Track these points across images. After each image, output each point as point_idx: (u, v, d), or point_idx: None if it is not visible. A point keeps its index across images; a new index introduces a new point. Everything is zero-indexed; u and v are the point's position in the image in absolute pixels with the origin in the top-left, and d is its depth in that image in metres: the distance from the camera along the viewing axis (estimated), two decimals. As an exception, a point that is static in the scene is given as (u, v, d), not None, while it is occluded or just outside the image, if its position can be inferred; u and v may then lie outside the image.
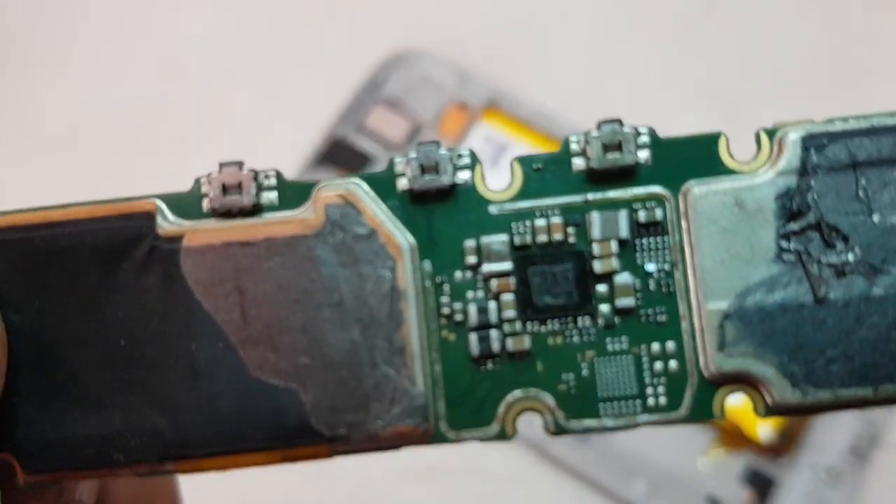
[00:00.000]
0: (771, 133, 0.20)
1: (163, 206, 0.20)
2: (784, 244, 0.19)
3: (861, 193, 0.19)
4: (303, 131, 0.63)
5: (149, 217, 0.20)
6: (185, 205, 0.20)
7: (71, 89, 0.67)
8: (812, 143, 0.19)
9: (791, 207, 0.19)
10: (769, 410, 0.19)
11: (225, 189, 0.20)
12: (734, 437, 0.53)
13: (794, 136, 0.19)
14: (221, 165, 0.20)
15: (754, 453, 0.53)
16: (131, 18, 0.69)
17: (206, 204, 0.20)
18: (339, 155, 0.63)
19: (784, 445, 0.53)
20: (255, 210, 0.20)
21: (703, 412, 0.19)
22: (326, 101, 0.64)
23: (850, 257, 0.19)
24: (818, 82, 0.62)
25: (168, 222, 0.20)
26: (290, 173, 0.61)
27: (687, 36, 0.65)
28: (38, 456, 0.20)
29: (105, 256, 0.20)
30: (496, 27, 0.67)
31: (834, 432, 0.53)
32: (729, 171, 0.20)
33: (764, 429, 0.53)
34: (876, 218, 0.19)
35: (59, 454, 0.20)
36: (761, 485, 0.53)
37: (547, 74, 0.65)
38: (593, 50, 0.66)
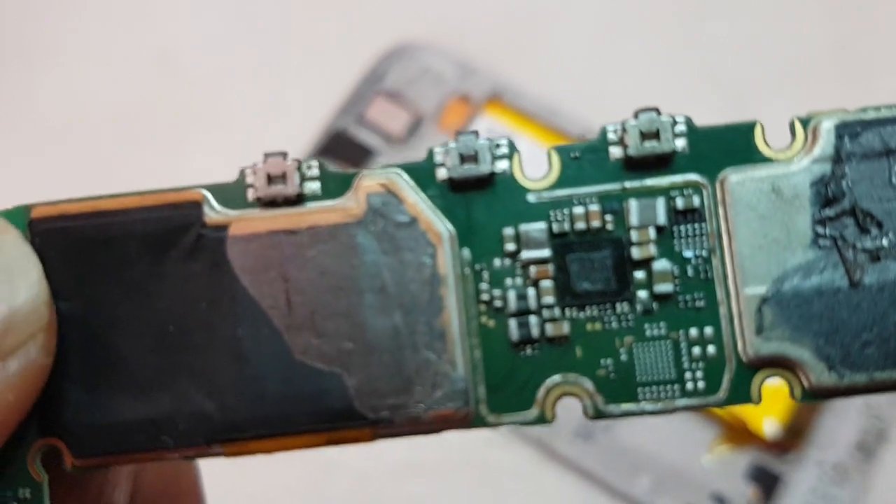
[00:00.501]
0: (805, 122, 0.20)
1: (209, 195, 0.21)
2: (820, 230, 0.20)
3: (894, 180, 0.20)
4: (303, 124, 0.64)
5: (196, 206, 0.21)
6: (230, 195, 0.21)
7: (68, 83, 0.67)
8: (846, 131, 0.20)
9: (826, 194, 0.20)
10: (805, 394, 0.20)
11: (269, 179, 0.21)
12: (739, 433, 0.54)
13: (828, 125, 0.20)
14: (266, 156, 0.21)
15: (760, 449, 0.54)
16: (130, 11, 0.69)
17: (250, 194, 0.21)
18: (340, 147, 0.63)
19: (790, 441, 0.54)
20: (299, 199, 0.21)
21: (741, 396, 0.20)
22: (327, 93, 0.64)
23: (885, 242, 0.20)
24: (824, 72, 0.63)
25: (214, 211, 0.21)
26: (290, 166, 0.62)
27: (690, 26, 0.66)
28: (86, 440, 0.21)
29: (153, 245, 0.21)
30: (498, 18, 0.67)
31: (841, 428, 0.54)
32: (765, 159, 0.20)
33: (770, 425, 0.53)
34: (908, 203, 0.20)
35: (107, 439, 0.21)
36: (767, 481, 0.53)
37: (550, 66, 0.65)
38: (596, 41, 0.66)
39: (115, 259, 0.21)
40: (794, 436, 0.54)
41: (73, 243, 0.21)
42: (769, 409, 0.54)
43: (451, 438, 0.62)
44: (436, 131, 0.63)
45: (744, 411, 0.54)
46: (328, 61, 0.66)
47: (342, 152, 0.63)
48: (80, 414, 0.21)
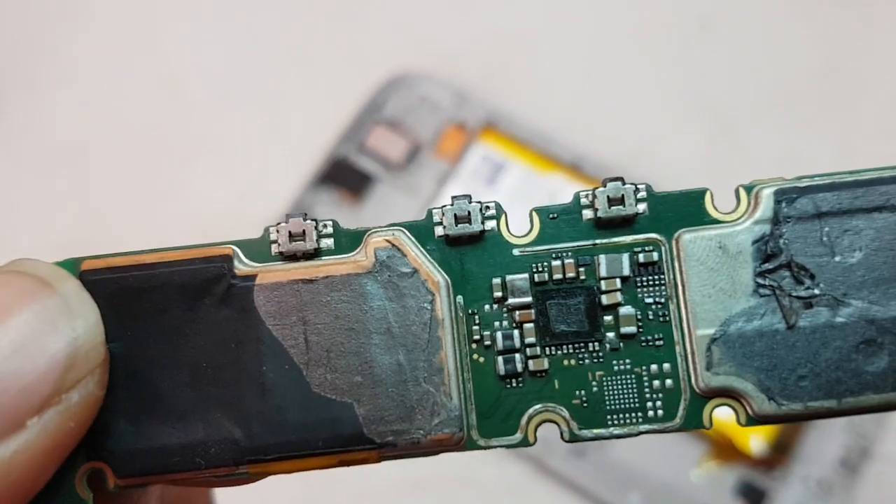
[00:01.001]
0: (749, 188, 0.24)
1: (238, 250, 0.25)
2: (760, 281, 0.24)
3: (825, 238, 0.23)
4: (305, 151, 0.67)
5: (227, 259, 0.24)
6: (256, 249, 0.25)
7: (75, 108, 0.70)
8: (783, 196, 0.24)
9: (766, 250, 0.24)
10: (750, 420, 0.24)
11: (291, 236, 0.24)
12: (727, 450, 0.57)
13: (767, 192, 0.24)
14: (288, 216, 0.25)
15: (747, 466, 0.57)
16: (137, 39, 0.72)
17: (274, 248, 0.25)
18: (341, 174, 0.66)
19: (776, 458, 0.57)
20: (316, 253, 0.25)
21: (694, 422, 0.24)
22: (328, 121, 0.67)
23: (816, 291, 0.23)
24: (809, 97, 0.66)
25: (243, 264, 0.24)
26: (292, 192, 0.64)
27: (680, 55, 0.69)
28: (128, 463, 0.24)
29: (189, 293, 0.24)
30: (493, 49, 0.70)
31: (825, 445, 0.57)
32: (713, 221, 0.24)
33: (756, 442, 0.56)
34: (837, 259, 0.23)
35: (147, 461, 0.24)
36: (754, 497, 0.56)
37: (543, 95, 0.68)
38: (588, 70, 0.69)
39: (156, 305, 0.24)
40: (779, 452, 0.57)
41: (119, 292, 0.24)
42: (756, 428, 0.57)
43: (449, 455, 0.64)
44: (433, 158, 0.66)
45: (731, 429, 0.57)
46: (329, 91, 0.69)
47: (343, 179, 0.66)
48: (123, 441, 0.24)
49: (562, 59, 0.70)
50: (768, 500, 0.56)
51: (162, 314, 0.24)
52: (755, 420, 0.24)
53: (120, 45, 0.72)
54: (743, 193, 0.24)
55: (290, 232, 0.25)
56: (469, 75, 0.69)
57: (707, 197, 0.24)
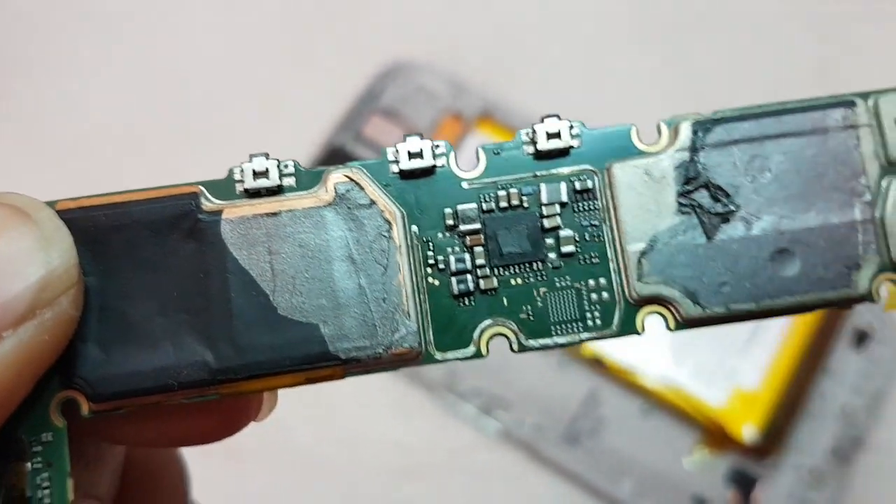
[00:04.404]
0: (669, 123, 0.28)
1: (204, 189, 0.27)
2: (682, 201, 0.27)
3: (738, 163, 0.27)
4: (302, 140, 0.68)
5: (194, 197, 0.27)
6: (221, 189, 0.27)
7: (74, 99, 0.71)
8: (699, 127, 0.27)
9: (686, 174, 0.27)
10: (679, 325, 0.27)
11: (255, 174, 0.27)
12: (719, 438, 0.59)
13: (686, 124, 0.27)
14: (251, 156, 0.27)
15: (739, 454, 0.59)
16: (136, 30, 0.73)
17: (238, 188, 0.27)
18: (338, 163, 0.67)
19: (768, 446, 0.58)
20: (279, 190, 0.27)
21: (628, 328, 0.27)
22: (325, 110, 0.69)
23: (732, 208, 0.27)
24: (807, 93, 0.67)
25: (209, 201, 0.27)
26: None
27: (678, 50, 0.70)
28: (102, 387, 0.25)
29: (158, 228, 0.26)
30: (490, 39, 0.72)
31: (817, 434, 0.59)
32: (640, 152, 0.27)
33: (748, 430, 0.58)
34: (749, 180, 0.27)
35: (120, 384, 0.25)
36: (746, 485, 0.58)
37: (539, 85, 0.70)
38: (583, 61, 0.71)
39: (127, 241, 0.26)
40: (772, 441, 0.59)
41: (91, 229, 0.26)
42: (748, 416, 0.59)
43: (442, 443, 0.64)
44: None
45: (724, 417, 0.59)
46: (327, 80, 0.71)
47: (340, 168, 0.68)
48: (97, 367, 0.25)
49: (558, 50, 0.72)
50: (760, 487, 0.58)
51: (133, 249, 0.26)
52: (683, 324, 0.27)
53: (116, 33, 0.74)
54: (664, 127, 0.28)
55: (253, 170, 0.27)
56: (466, 65, 0.71)
57: (633, 132, 0.28)
